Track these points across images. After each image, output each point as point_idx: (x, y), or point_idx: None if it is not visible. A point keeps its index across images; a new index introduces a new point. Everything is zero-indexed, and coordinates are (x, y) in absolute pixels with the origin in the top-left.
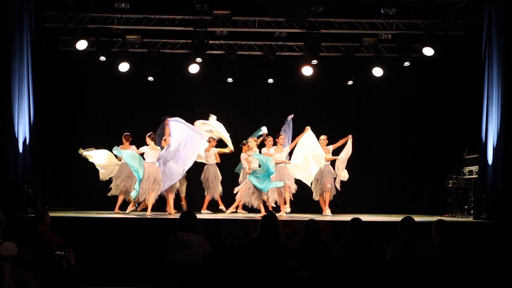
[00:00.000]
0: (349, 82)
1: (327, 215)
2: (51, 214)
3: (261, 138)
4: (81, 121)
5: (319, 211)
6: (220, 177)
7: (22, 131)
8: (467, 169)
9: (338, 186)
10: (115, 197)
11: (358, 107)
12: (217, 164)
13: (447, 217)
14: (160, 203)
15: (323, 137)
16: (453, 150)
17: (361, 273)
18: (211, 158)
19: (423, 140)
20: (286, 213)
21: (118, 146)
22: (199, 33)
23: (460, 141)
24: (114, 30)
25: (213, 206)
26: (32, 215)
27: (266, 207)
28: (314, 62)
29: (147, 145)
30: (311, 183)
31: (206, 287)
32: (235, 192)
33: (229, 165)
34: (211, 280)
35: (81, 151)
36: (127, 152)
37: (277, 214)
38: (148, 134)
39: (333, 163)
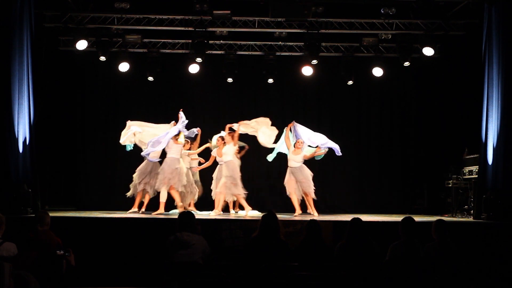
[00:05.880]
0: (349, 82)
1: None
2: (51, 214)
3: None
4: (81, 121)
5: (319, 211)
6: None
7: (22, 131)
8: (467, 169)
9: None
10: (115, 197)
11: (358, 107)
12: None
13: (447, 217)
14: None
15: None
16: (453, 150)
17: (361, 273)
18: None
19: (423, 140)
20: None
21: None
22: (199, 33)
23: (460, 141)
24: (114, 30)
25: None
26: (32, 215)
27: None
28: (314, 62)
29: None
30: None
31: (206, 287)
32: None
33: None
34: (211, 280)
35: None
36: None
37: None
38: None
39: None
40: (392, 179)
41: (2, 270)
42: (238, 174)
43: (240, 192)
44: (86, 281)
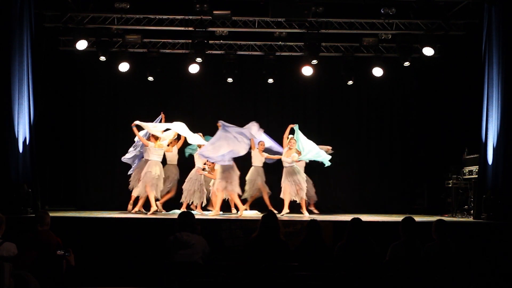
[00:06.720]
0: (349, 82)
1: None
2: (51, 214)
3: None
4: (81, 121)
5: (320, 211)
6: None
7: (22, 131)
8: (467, 169)
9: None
10: (115, 197)
11: (358, 107)
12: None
13: (447, 217)
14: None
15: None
16: (453, 150)
17: (361, 273)
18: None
19: (423, 140)
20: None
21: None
22: (199, 33)
23: (460, 141)
24: (114, 30)
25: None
26: (32, 215)
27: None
28: (314, 62)
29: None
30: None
31: (206, 287)
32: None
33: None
34: (211, 280)
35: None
36: None
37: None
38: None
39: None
40: (392, 179)
41: (2, 270)
42: (151, 173)
43: (150, 191)
44: (86, 281)
